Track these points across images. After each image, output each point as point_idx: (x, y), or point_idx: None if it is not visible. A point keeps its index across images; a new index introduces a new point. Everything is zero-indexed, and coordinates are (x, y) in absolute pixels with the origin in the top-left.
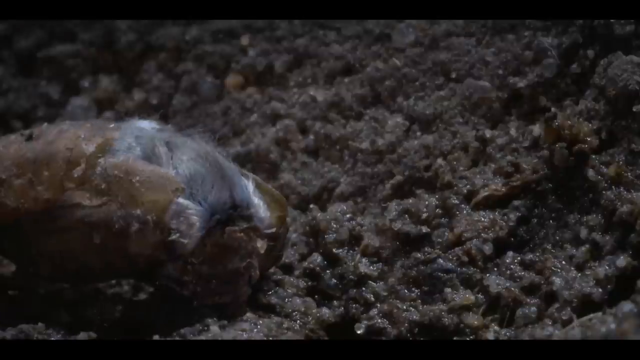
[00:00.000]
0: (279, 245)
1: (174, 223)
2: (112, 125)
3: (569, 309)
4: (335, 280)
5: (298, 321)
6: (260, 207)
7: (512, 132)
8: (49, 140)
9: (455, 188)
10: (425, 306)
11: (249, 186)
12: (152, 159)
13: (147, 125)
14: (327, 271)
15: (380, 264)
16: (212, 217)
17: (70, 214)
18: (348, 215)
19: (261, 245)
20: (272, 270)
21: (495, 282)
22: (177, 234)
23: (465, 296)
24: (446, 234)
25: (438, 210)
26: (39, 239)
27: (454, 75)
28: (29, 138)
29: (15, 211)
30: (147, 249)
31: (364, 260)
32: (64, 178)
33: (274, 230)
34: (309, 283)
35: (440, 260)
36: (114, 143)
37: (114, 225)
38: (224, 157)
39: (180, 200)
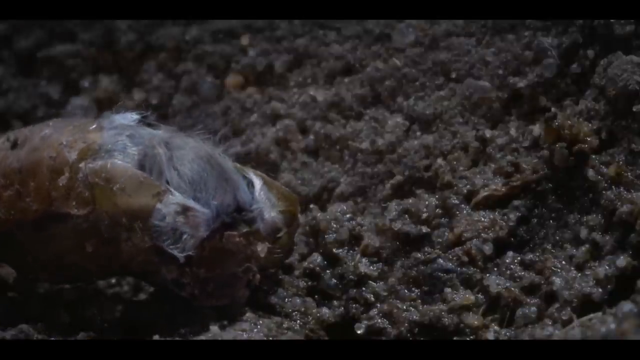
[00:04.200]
0: (290, 239)
1: (161, 226)
2: (93, 127)
3: (569, 309)
4: (335, 280)
5: (298, 321)
6: (266, 207)
7: (512, 132)
8: (32, 147)
9: (455, 188)
10: (425, 306)
11: (256, 185)
12: (150, 160)
13: (128, 118)
14: (327, 271)
15: (380, 264)
16: (217, 220)
17: (61, 224)
18: (348, 215)
19: (261, 249)
20: (272, 270)
21: (495, 282)
22: (169, 239)
23: (465, 296)
24: (446, 234)
25: (438, 210)
26: (34, 248)
27: (454, 75)
28: (14, 145)
29: (6, 222)
30: (139, 255)
31: (364, 260)
32: (50, 188)
33: (280, 229)
34: (309, 283)
35: (440, 260)
36: (97, 147)
37: (103, 234)
38: (224, 157)
39: (185, 200)
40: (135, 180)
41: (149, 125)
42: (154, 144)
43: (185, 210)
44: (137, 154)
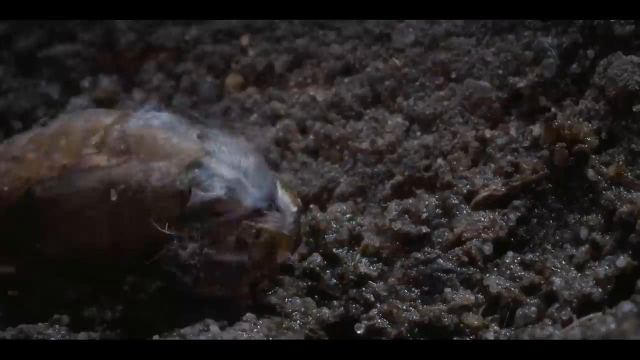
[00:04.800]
0: (298, 232)
1: (200, 178)
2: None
3: (569, 309)
4: (335, 280)
5: (298, 321)
6: (288, 207)
7: (512, 132)
8: (66, 119)
9: (455, 188)
10: (425, 306)
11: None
12: None
13: (160, 112)
14: (327, 271)
15: (380, 264)
16: (253, 205)
17: (88, 176)
18: (348, 215)
19: (280, 255)
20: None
21: (495, 282)
22: (201, 191)
23: (465, 296)
24: (446, 234)
25: (438, 210)
26: (50, 208)
27: (454, 75)
28: (45, 124)
29: (28, 181)
30: (165, 199)
31: (364, 260)
32: (82, 145)
33: (295, 227)
34: (309, 283)
35: (440, 260)
36: (131, 118)
37: (132, 179)
38: (258, 153)
39: (229, 170)
40: (182, 137)
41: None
42: (188, 134)
43: (228, 177)
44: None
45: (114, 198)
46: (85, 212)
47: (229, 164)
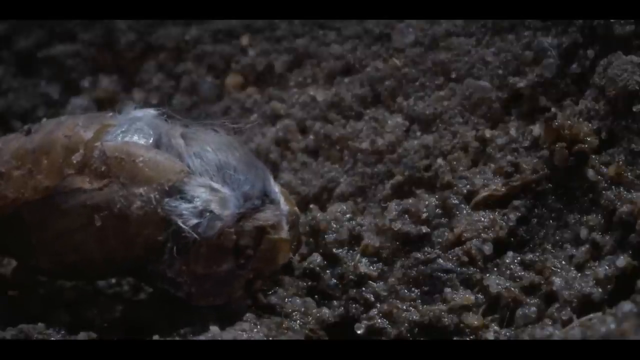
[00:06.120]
0: (295, 234)
1: (179, 203)
2: (110, 115)
3: (569, 309)
4: (335, 280)
5: (298, 321)
6: (281, 201)
7: (512, 132)
8: (47, 131)
9: (455, 188)
10: (425, 306)
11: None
12: (166, 149)
13: (146, 112)
14: (327, 271)
15: (380, 264)
16: (245, 205)
17: (71, 199)
18: (348, 215)
19: (282, 256)
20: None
21: (495, 282)
22: (184, 216)
23: (465, 296)
24: (446, 234)
25: (438, 210)
26: (39, 229)
27: (454, 75)
28: (28, 133)
29: (15, 202)
30: (148, 227)
31: (364, 260)
32: (64, 164)
33: (295, 223)
34: (309, 283)
35: (440, 260)
36: (111, 129)
37: (115, 206)
38: (247, 148)
39: (211, 182)
40: (161, 157)
41: (169, 117)
42: (169, 137)
43: (212, 190)
44: (152, 142)
45: (98, 224)
46: (72, 234)
47: (212, 173)
